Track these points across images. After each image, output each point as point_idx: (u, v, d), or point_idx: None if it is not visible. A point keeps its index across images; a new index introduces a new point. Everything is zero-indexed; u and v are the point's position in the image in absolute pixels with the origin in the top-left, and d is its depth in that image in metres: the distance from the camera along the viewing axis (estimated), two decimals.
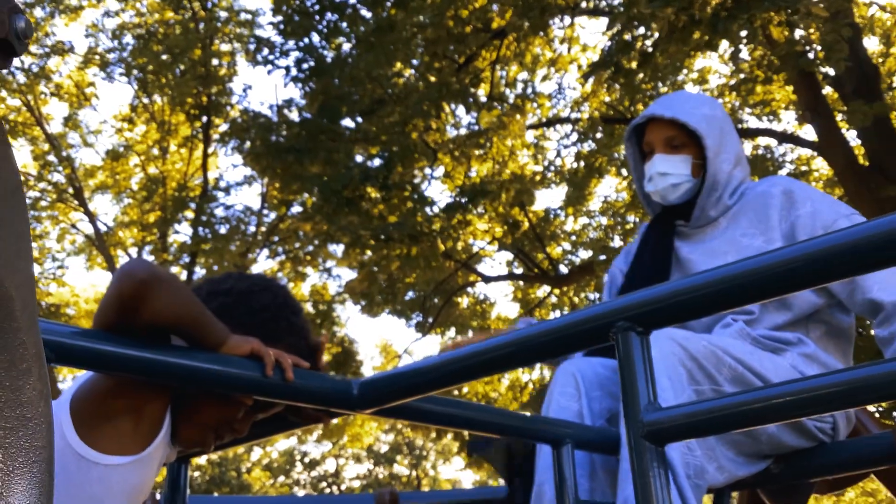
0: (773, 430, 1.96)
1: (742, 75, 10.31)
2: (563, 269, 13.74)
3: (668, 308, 1.15)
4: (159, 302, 1.30)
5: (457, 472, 30.04)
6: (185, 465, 1.84)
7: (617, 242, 12.67)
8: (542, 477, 1.98)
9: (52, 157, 14.15)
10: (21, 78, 12.96)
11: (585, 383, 2.16)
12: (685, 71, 11.27)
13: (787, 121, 14.21)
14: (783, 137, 10.99)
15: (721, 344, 2.01)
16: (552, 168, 13.11)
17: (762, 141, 11.42)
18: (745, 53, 9.00)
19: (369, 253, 10.48)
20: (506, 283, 15.26)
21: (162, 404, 1.47)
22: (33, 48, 12.84)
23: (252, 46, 11.58)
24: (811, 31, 6.93)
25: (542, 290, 15.01)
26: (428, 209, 10.83)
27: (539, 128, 13.37)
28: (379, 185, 10.09)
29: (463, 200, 10.55)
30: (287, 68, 10.70)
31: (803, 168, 11.38)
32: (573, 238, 13.99)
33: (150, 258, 13.97)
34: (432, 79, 10.80)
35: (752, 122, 12.12)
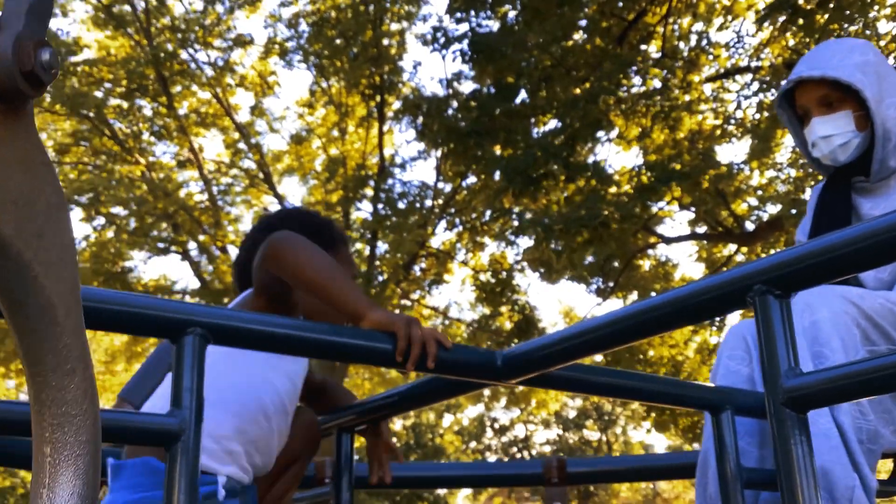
0: None
1: None
2: (750, 226, 13.19)
3: (807, 269, 1.10)
4: (292, 260, 1.57)
5: (647, 436, 29.57)
6: (348, 435, 1.94)
7: (808, 195, 12.00)
8: (707, 444, 1.93)
9: (241, 145, 15.00)
10: (209, 72, 13.79)
11: (756, 345, 2.08)
12: (876, 7, 10.42)
13: None
14: None
15: None
16: (733, 121, 12.58)
17: None
18: None
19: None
20: (689, 244, 14.83)
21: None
22: (217, 42, 13.61)
23: (428, 35, 11.78)
24: None
25: (729, 249, 14.48)
26: (605, 186, 10.70)
27: (717, 80, 12.83)
28: (562, 163, 10.03)
29: (652, 180, 10.27)
30: (462, 52, 10.83)
31: None
32: (759, 193, 13.37)
33: None
34: (599, 42, 10.58)
35: None
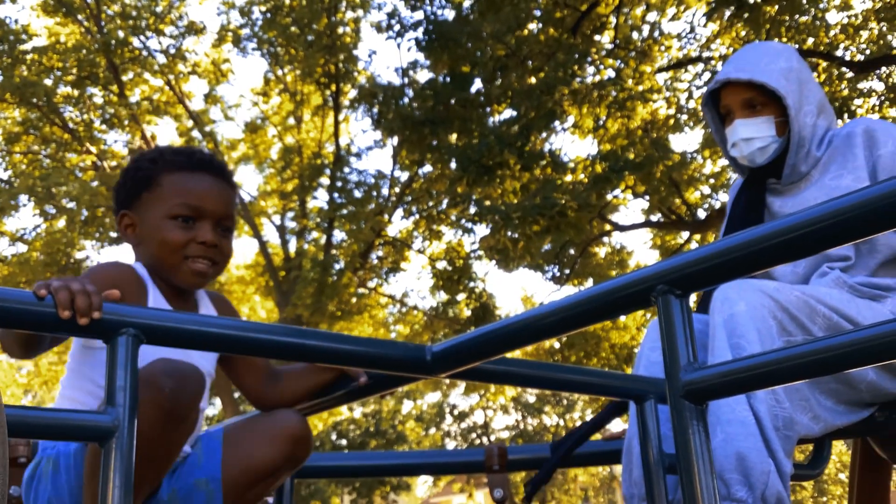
0: (873, 377, 1.92)
1: None
2: (702, 214, 13.43)
3: (705, 270, 1.17)
4: None
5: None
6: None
7: None
8: (631, 432, 2.02)
9: (195, 133, 14.86)
10: (161, 59, 13.63)
11: None
12: None
13: None
14: None
15: (815, 293, 1.98)
16: (685, 110, 12.76)
17: None
18: None
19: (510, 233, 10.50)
20: (643, 231, 15.06)
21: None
22: (169, 29, 13.46)
23: (383, 23, 11.78)
24: None
25: (682, 237, 14.71)
26: (560, 174, 10.80)
27: (669, 69, 12.99)
28: (517, 152, 10.09)
29: (605, 169, 10.39)
30: (417, 40, 10.84)
31: None
32: (711, 181, 13.61)
33: (292, 225, 14.55)
34: (553, 32, 10.65)
35: None
